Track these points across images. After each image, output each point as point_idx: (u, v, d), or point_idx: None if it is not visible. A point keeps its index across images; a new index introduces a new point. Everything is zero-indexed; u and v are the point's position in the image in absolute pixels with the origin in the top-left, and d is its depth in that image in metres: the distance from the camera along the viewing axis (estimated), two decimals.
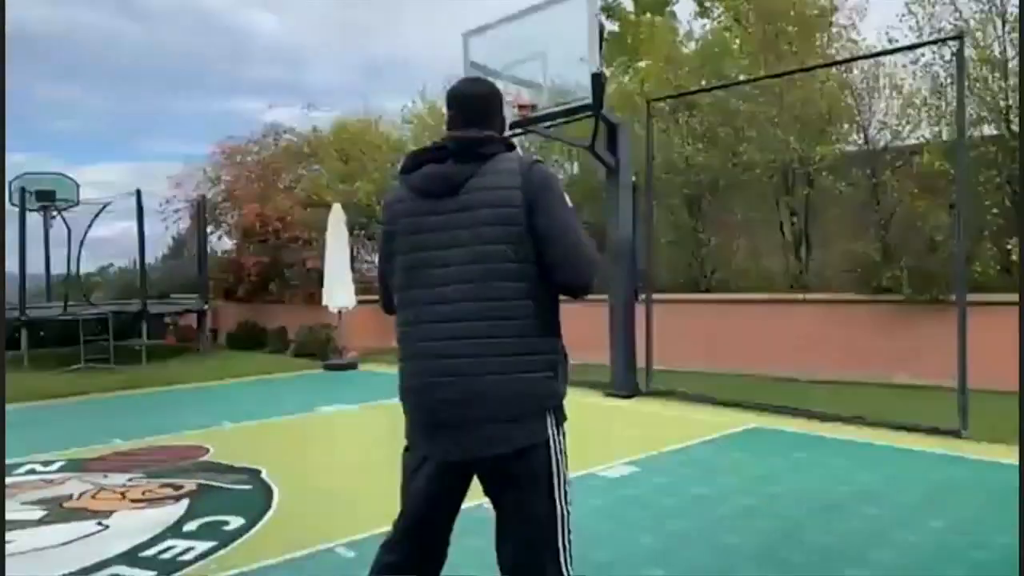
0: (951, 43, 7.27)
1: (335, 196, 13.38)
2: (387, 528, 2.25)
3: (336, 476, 5.50)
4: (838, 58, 9.27)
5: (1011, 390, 7.02)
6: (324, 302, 12.03)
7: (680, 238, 10.32)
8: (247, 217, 14.57)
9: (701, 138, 10.00)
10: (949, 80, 8.13)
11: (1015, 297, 7.65)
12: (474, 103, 2.18)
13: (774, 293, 9.39)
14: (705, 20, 15.41)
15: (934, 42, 7.93)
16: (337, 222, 12.09)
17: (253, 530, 4.17)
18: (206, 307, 14.11)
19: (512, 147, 2.13)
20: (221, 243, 16.97)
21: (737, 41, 10.51)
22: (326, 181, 14.87)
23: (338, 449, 6.72)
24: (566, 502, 2.08)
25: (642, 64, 12.93)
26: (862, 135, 9.08)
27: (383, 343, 13.56)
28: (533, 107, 7.41)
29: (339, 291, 11.92)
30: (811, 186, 9.29)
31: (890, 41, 8.56)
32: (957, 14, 8.36)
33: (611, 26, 16.40)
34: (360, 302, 12.30)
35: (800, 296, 9.20)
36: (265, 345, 14.17)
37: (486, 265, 1.99)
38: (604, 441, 6.41)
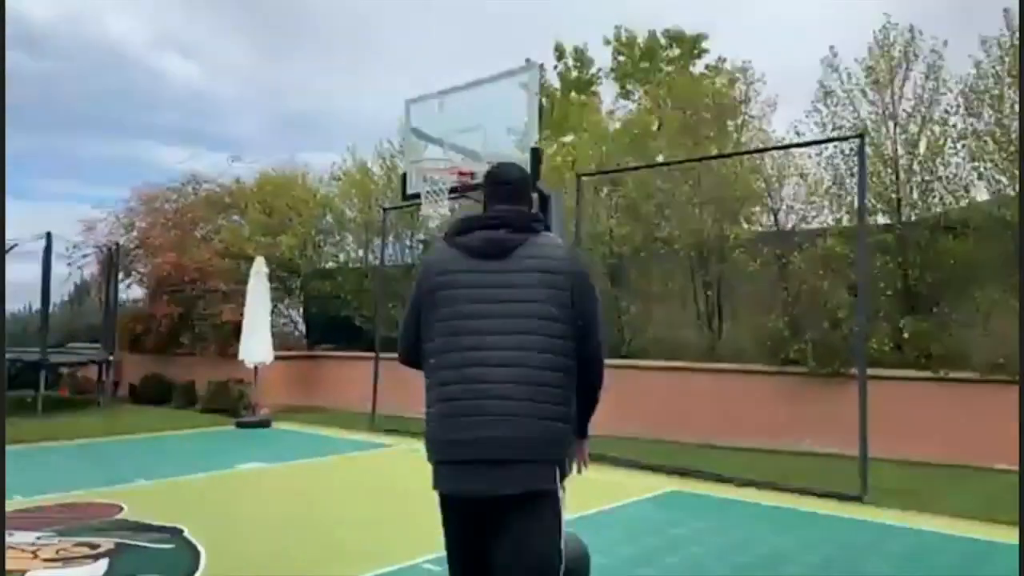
0: (853, 141, 8.04)
1: (257, 248, 13.20)
2: None
3: (261, 535, 5.36)
4: (751, 146, 10.05)
5: (905, 458, 7.65)
6: (240, 356, 11.72)
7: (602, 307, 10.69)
8: (162, 266, 14.12)
9: (624, 212, 10.52)
10: (848, 172, 8.96)
11: (908, 372, 8.34)
12: (513, 184, 2.52)
13: (689, 362, 9.83)
14: (626, 102, 16.47)
15: (839, 139, 8.74)
16: (259, 275, 11.91)
17: None
18: (111, 358, 13.47)
19: (548, 228, 2.42)
20: (130, 291, 16.33)
21: (657, 122, 11.20)
22: (248, 233, 14.66)
23: (260, 507, 6.52)
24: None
25: (567, 139, 13.60)
26: (772, 218, 9.80)
27: (297, 400, 13.29)
28: (472, 175, 7.66)
29: (257, 345, 11.66)
30: (724, 262, 9.89)
31: (797, 134, 9.39)
32: (856, 114, 9.26)
33: None
34: (277, 358, 12.08)
35: (714, 366, 9.66)
36: (171, 400, 13.58)
37: (536, 321, 2.25)
38: None
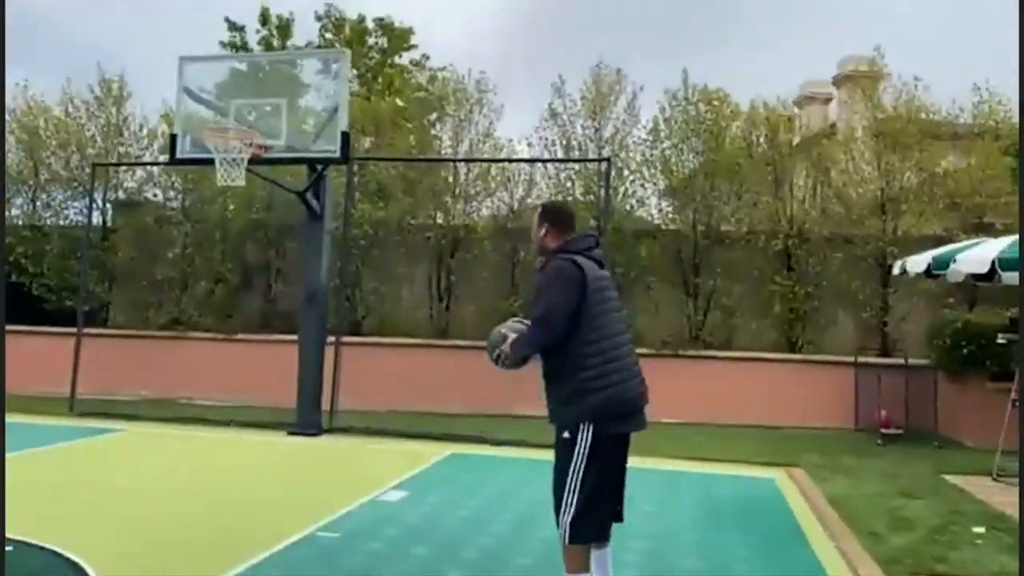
0: (601, 163, 9.74)
1: None
2: None
3: (114, 532, 4.89)
4: (484, 146, 11.34)
5: None
6: None
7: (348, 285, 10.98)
8: None
9: (375, 196, 10.98)
10: (570, 182, 10.79)
11: None
12: (574, 216, 3.64)
13: (432, 339, 10.74)
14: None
15: (587, 160, 10.44)
16: None
17: None
18: None
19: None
20: None
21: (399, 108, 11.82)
22: None
23: (45, 504, 5.68)
24: None
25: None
26: (510, 213, 11.17)
27: None
28: (265, 148, 7.52)
29: None
30: (468, 251, 11.00)
31: (529, 145, 10.93)
32: (572, 133, 11.10)
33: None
34: None
35: (452, 343, 10.67)
36: None
37: (623, 313, 3.47)
38: (342, 474, 6.96)
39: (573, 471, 3.21)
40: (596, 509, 3.22)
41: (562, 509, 3.21)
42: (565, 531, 3.19)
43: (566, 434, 3.24)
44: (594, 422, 3.18)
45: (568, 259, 3.30)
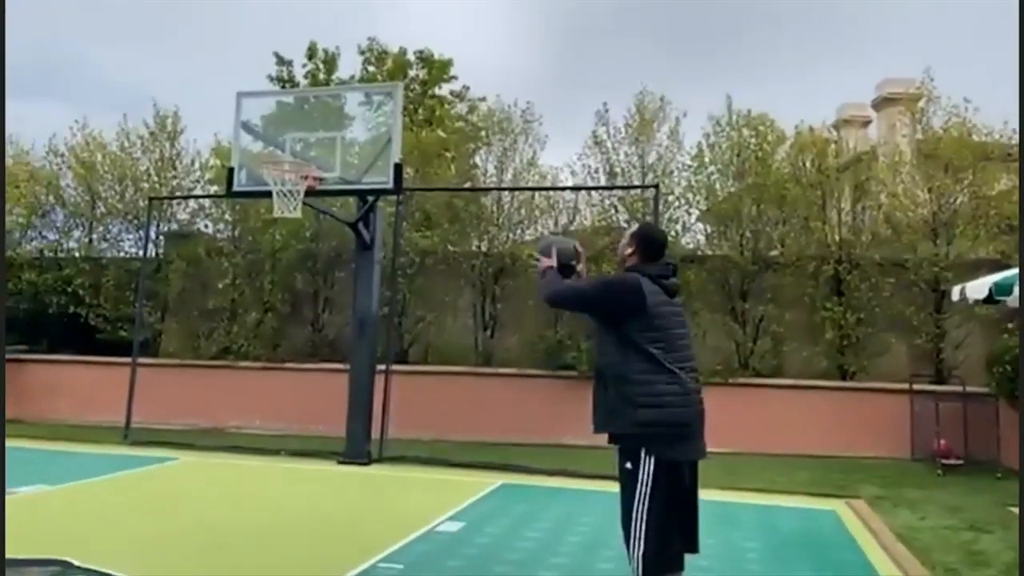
0: (648, 190, 9.75)
1: None
2: None
3: (174, 551, 4.96)
4: (527, 174, 11.41)
5: None
6: None
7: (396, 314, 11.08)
8: None
9: (420, 225, 11.11)
10: (613, 208, 10.77)
11: None
12: (664, 247, 3.61)
13: (473, 367, 10.76)
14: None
15: (636, 187, 10.44)
16: None
17: None
18: None
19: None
20: None
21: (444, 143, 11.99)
22: None
23: (132, 524, 5.80)
24: None
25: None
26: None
27: None
28: (320, 180, 7.67)
29: None
30: (515, 277, 11.03)
31: (572, 173, 10.95)
32: (617, 159, 11.12)
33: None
34: None
35: (499, 371, 10.69)
36: None
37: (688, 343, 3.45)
38: (396, 504, 6.97)
39: (638, 503, 3.18)
40: (666, 541, 3.17)
41: (631, 543, 3.17)
42: (637, 565, 3.14)
43: (628, 465, 3.23)
44: (650, 446, 3.17)
45: (635, 275, 3.36)
